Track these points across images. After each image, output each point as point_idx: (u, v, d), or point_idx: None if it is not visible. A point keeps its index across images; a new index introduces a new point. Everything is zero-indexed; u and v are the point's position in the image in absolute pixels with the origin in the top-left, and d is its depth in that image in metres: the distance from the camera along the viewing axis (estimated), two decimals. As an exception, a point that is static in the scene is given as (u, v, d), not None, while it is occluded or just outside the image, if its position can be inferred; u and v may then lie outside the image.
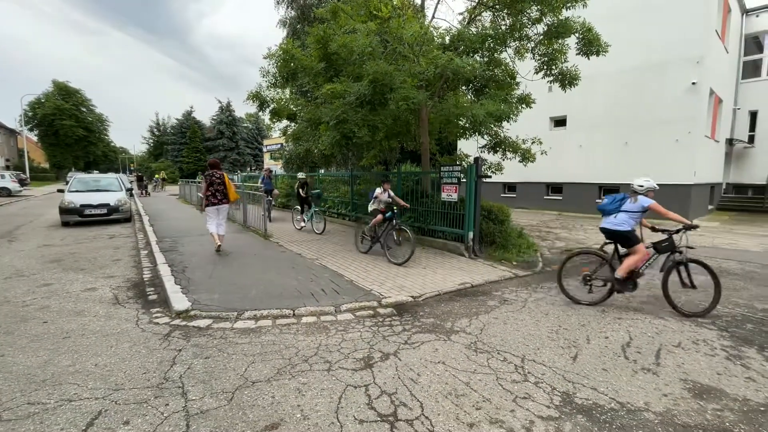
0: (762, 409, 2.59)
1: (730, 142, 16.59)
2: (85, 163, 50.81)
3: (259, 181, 11.53)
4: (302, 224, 10.08)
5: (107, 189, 12.36)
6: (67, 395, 2.63)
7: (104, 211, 11.08)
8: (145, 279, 5.61)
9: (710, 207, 15.77)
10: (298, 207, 10.40)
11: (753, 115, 16.81)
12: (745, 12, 16.67)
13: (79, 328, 3.80)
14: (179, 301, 4.47)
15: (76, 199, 10.94)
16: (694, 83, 12.45)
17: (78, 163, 48.85)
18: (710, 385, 2.87)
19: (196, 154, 49.65)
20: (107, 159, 58.67)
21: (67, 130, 44.47)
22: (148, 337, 3.61)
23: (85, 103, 48.54)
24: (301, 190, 10.02)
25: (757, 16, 16.59)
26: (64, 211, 10.60)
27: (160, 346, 3.40)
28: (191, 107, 56.48)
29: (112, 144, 63.31)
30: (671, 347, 3.51)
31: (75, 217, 10.73)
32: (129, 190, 13.78)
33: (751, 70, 16.98)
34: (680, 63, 12.69)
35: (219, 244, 7.16)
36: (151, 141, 60.06)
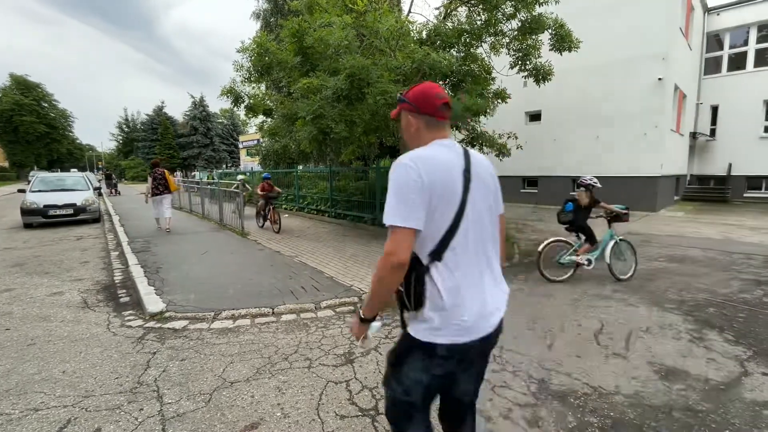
0: (722, 387, 2.74)
1: (693, 135, 17.38)
2: (49, 162, 48.41)
3: None
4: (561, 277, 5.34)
5: (73, 188, 11.78)
6: (33, 404, 2.51)
7: (70, 211, 10.57)
8: (116, 281, 5.41)
9: (676, 198, 16.52)
10: (566, 239, 5.50)
11: (714, 110, 17.65)
12: (707, 11, 17.43)
13: (45, 334, 3.63)
14: (153, 302, 4.33)
15: (39, 199, 10.38)
16: (660, 79, 12.95)
17: (41, 162, 46.50)
18: (675, 367, 3.02)
19: (169, 151, 48.01)
20: (72, 157, 56.05)
21: (27, 127, 42.28)
22: (120, 340, 3.49)
23: (47, 98, 46.26)
24: (580, 202, 5.29)
25: (718, 14, 17.38)
26: (26, 212, 10.05)
27: (134, 350, 3.29)
28: (162, 102, 54.51)
29: (78, 141, 60.55)
30: (640, 332, 3.67)
31: (38, 219, 10.19)
32: (97, 189, 13.20)
33: (712, 66, 17.80)
34: (647, 59, 13.16)
35: (168, 227, 9.04)
36: (120, 138, 57.60)
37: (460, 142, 9.37)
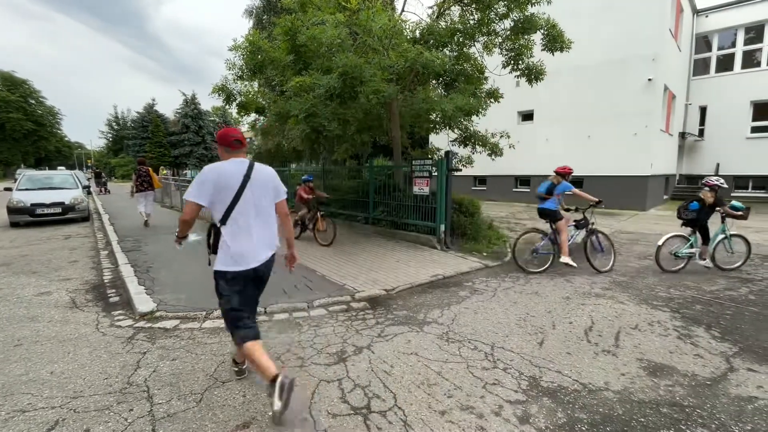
0: (708, 383, 2.80)
1: (682, 135, 17.64)
2: (36, 160, 47.60)
3: (546, 191, 5.93)
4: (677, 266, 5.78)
5: (61, 186, 11.60)
6: (19, 406, 2.48)
7: (58, 210, 10.39)
8: (105, 281, 5.34)
9: (665, 197, 16.76)
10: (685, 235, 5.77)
11: (703, 110, 17.94)
12: (696, 12, 17.68)
13: (32, 334, 3.57)
14: (143, 302, 4.29)
15: (25, 197, 10.20)
16: (650, 79, 13.12)
17: (28, 160, 45.70)
18: (663, 363, 3.07)
19: (160, 149, 47.38)
20: (61, 155, 55.13)
21: (14, 124, 41.49)
22: (109, 341, 3.44)
23: (34, 95, 45.42)
24: (705, 202, 5.53)
25: (707, 16, 17.64)
26: (13, 210, 9.87)
27: (123, 350, 3.26)
28: (153, 100, 53.55)
29: (66, 139, 59.57)
30: (629, 329, 3.72)
31: (25, 217, 10.01)
32: (86, 188, 13.00)
33: (701, 67, 18.07)
34: (637, 60, 13.32)
35: (146, 220, 9.78)
36: (110, 135, 56.71)
37: (453, 141, 9.42)
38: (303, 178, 8.05)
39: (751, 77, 16.41)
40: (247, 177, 2.41)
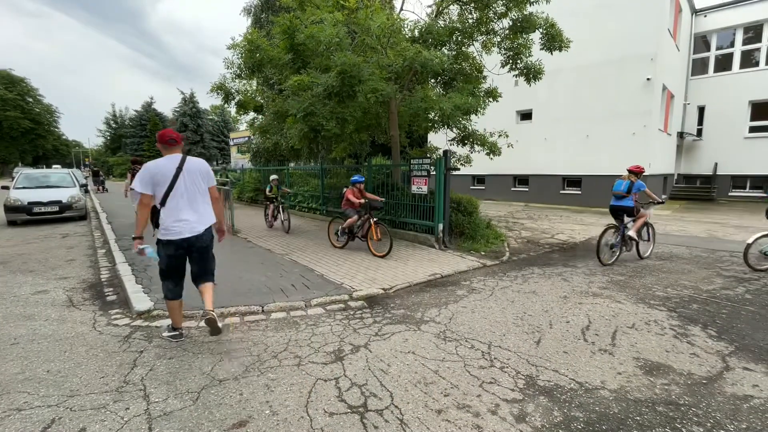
0: (704, 381, 2.80)
1: (680, 135, 17.66)
2: (33, 158, 47.46)
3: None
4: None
5: (59, 185, 11.57)
6: (16, 404, 2.47)
7: (56, 208, 10.37)
8: (102, 279, 5.33)
9: (663, 196, 16.78)
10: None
11: (701, 110, 17.97)
12: (695, 12, 17.70)
13: (29, 333, 3.56)
14: (141, 301, 4.28)
15: (23, 196, 10.17)
16: (648, 79, 13.14)
17: (25, 158, 45.57)
18: (659, 362, 3.08)
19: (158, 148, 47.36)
20: (58, 153, 54.99)
21: (11, 123, 41.40)
22: (106, 339, 3.44)
23: (31, 93, 45.30)
24: None
25: (705, 16, 17.66)
26: (10, 209, 9.84)
27: (120, 349, 3.25)
28: (151, 98, 53.49)
29: (64, 137, 59.42)
30: (626, 328, 3.73)
31: (23, 216, 9.98)
32: (84, 186, 12.96)
33: (699, 67, 18.09)
34: (636, 60, 13.33)
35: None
36: (108, 134, 56.60)
37: (451, 140, 9.42)
38: (352, 179, 6.85)
39: (749, 77, 16.44)
40: (179, 169, 3.10)
